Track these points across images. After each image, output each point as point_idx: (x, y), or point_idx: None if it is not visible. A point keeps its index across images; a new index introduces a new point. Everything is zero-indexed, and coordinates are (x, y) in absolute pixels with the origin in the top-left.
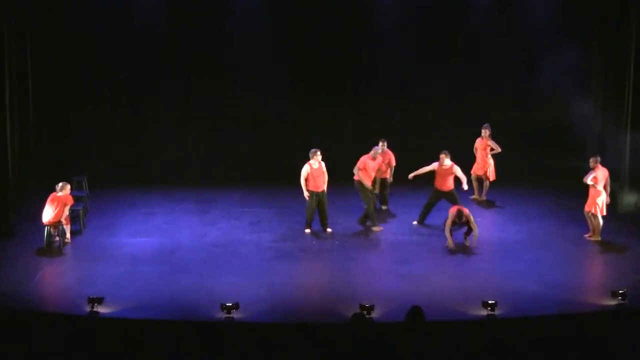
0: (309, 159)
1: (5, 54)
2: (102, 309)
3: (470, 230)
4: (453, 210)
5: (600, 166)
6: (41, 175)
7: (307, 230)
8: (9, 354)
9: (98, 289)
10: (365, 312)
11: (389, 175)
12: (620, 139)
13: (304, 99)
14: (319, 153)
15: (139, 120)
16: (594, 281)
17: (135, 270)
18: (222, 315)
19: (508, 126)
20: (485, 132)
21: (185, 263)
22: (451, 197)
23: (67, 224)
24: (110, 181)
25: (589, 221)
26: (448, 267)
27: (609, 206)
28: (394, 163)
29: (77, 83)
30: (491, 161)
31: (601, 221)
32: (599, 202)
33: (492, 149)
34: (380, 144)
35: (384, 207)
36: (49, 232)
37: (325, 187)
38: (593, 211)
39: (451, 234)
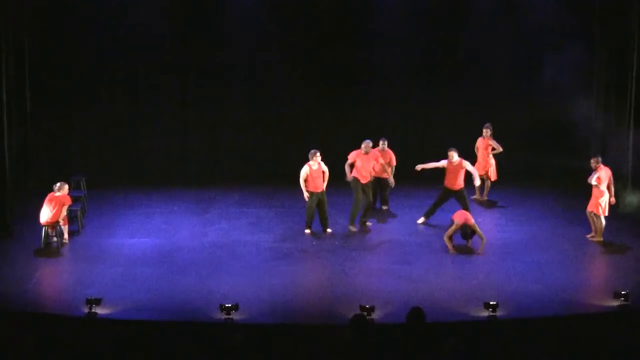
0: (308, 160)
1: (3, 52)
2: (100, 310)
3: (474, 233)
4: (458, 220)
5: (602, 166)
6: (39, 175)
7: (307, 231)
8: (5, 355)
9: (96, 290)
10: (365, 313)
11: (389, 176)
12: (622, 138)
13: (304, 99)
14: (318, 154)
15: (138, 120)
16: (596, 282)
17: (133, 271)
18: (222, 316)
19: (509, 126)
20: (487, 132)
21: (184, 264)
22: (461, 197)
23: (65, 224)
24: (109, 181)
25: (591, 221)
26: (449, 268)
27: (612, 206)
28: (394, 163)
29: (76, 82)
30: (492, 161)
31: (604, 222)
32: (602, 202)
33: (493, 149)
34: (381, 143)
35: (384, 207)
36: (46, 233)
37: (325, 186)
38: (596, 211)
39: (451, 240)
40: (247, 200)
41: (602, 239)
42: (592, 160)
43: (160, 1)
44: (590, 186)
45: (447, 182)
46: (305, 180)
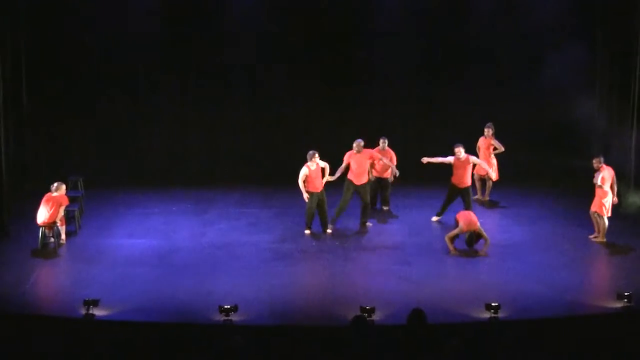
0: (307, 161)
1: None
2: (97, 312)
3: (479, 238)
4: (463, 224)
5: (605, 166)
6: (36, 175)
7: (307, 231)
8: (3, 357)
9: (94, 291)
10: (366, 315)
11: (390, 175)
12: (625, 138)
13: (304, 99)
14: (316, 155)
15: (136, 120)
16: (600, 283)
17: (131, 272)
18: (221, 317)
19: (511, 125)
20: (488, 131)
21: (183, 264)
22: (466, 196)
23: (62, 225)
24: (107, 181)
25: (594, 222)
26: (450, 268)
27: (614, 206)
28: (395, 162)
29: (75, 82)
30: (494, 161)
31: (607, 222)
32: (605, 202)
33: (495, 149)
34: (381, 142)
35: (385, 208)
36: (43, 233)
37: (327, 176)
38: (599, 212)
39: (453, 241)
40: (246, 201)
41: (605, 240)
42: (594, 161)
43: (160, 1)
44: (593, 186)
45: (455, 179)
46: (304, 181)
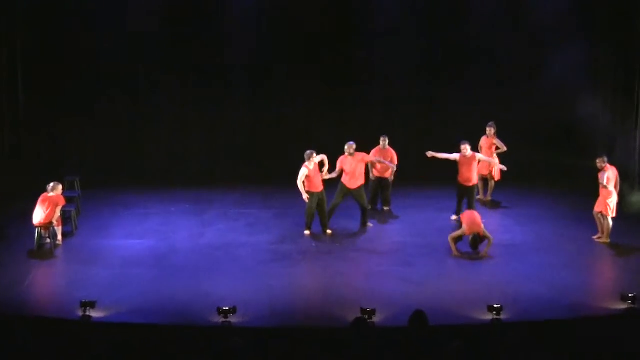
0: (304, 161)
1: None
2: (94, 313)
3: (483, 240)
4: (466, 226)
5: (608, 166)
6: (32, 175)
7: (307, 232)
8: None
9: (90, 293)
10: (366, 316)
11: (390, 175)
12: (629, 138)
13: (304, 99)
14: (315, 154)
15: (136, 120)
16: (604, 284)
17: (129, 273)
18: (219, 319)
19: (512, 125)
20: (490, 131)
21: (180, 266)
22: (471, 195)
23: (58, 226)
24: (105, 181)
25: (598, 222)
26: (452, 269)
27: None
28: (396, 161)
29: (71, 81)
30: (496, 160)
31: (611, 223)
32: (610, 203)
33: (497, 148)
34: (382, 140)
35: (385, 208)
36: (39, 234)
37: (326, 168)
38: (604, 212)
39: (456, 242)
40: (246, 201)
41: (609, 241)
42: (598, 160)
43: (160, 1)
44: (596, 186)
45: (461, 178)
46: (304, 182)
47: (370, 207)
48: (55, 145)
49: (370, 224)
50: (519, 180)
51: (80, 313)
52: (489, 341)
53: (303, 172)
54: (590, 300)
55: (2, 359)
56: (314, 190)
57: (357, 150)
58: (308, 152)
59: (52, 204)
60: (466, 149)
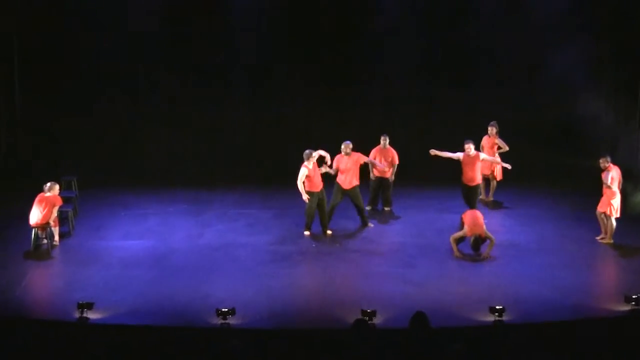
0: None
1: None
2: (92, 315)
3: (485, 241)
4: (468, 227)
5: (612, 165)
6: (29, 175)
7: (307, 233)
8: None
9: (88, 294)
10: (367, 318)
11: (390, 175)
12: (632, 138)
13: (304, 99)
14: (314, 154)
15: (136, 120)
16: (607, 285)
17: (126, 274)
18: (218, 321)
19: (512, 125)
20: (492, 130)
21: (179, 266)
22: (474, 194)
23: (55, 226)
24: (104, 181)
25: (601, 223)
26: (453, 270)
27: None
28: (397, 161)
29: (70, 81)
30: (498, 160)
31: (614, 223)
32: (613, 203)
33: (499, 148)
34: (382, 140)
35: (386, 209)
36: (36, 235)
37: (328, 163)
38: (607, 212)
39: (457, 243)
40: (245, 201)
41: (612, 241)
42: (601, 160)
43: (160, 1)
44: (598, 186)
45: (465, 178)
46: (303, 182)
47: (370, 207)
48: (54, 145)
49: (370, 224)
50: (520, 180)
51: (77, 315)
52: (491, 343)
53: (303, 172)
54: (593, 302)
55: None
56: (314, 190)
57: (357, 150)
58: (307, 151)
59: (49, 204)
60: (470, 148)
